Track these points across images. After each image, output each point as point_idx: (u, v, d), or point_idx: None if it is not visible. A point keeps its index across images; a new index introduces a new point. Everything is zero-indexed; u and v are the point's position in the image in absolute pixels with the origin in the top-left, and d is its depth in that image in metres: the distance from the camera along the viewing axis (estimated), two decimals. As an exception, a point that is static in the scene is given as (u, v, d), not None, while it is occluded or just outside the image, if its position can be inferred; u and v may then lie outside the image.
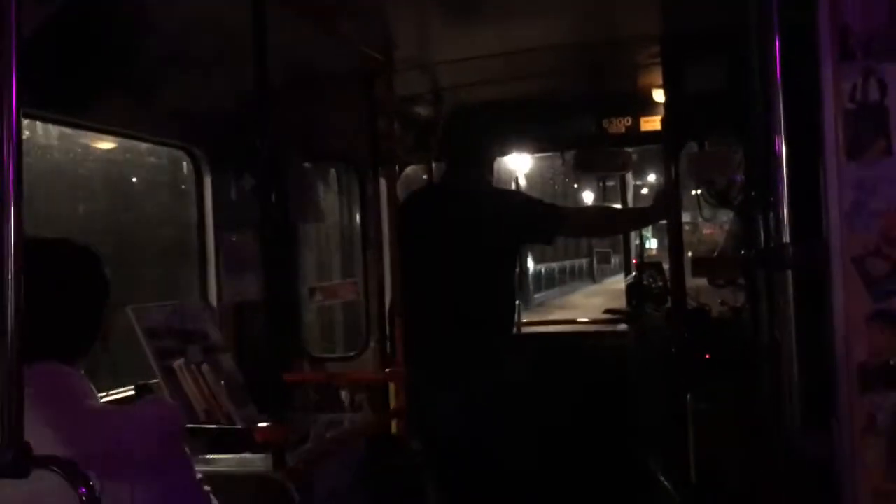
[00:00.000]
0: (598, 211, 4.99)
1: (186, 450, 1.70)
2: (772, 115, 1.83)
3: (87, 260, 1.77)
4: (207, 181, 3.41)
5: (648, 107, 4.22)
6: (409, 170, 4.78)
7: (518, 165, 8.81)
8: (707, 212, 3.74)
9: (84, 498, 1.31)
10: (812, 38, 1.68)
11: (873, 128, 1.59)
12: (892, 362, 1.59)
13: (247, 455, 2.51)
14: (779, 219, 1.81)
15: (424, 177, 4.60)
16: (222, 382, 2.88)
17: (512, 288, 4.02)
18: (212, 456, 2.49)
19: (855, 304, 1.61)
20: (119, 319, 2.62)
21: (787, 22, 1.87)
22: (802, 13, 1.75)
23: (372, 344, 3.92)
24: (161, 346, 2.85)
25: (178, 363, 2.82)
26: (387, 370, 3.52)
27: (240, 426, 2.75)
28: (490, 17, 3.28)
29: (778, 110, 1.81)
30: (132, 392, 2.71)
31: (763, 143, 2.09)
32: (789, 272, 1.78)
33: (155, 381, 2.79)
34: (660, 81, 3.79)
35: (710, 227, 5.02)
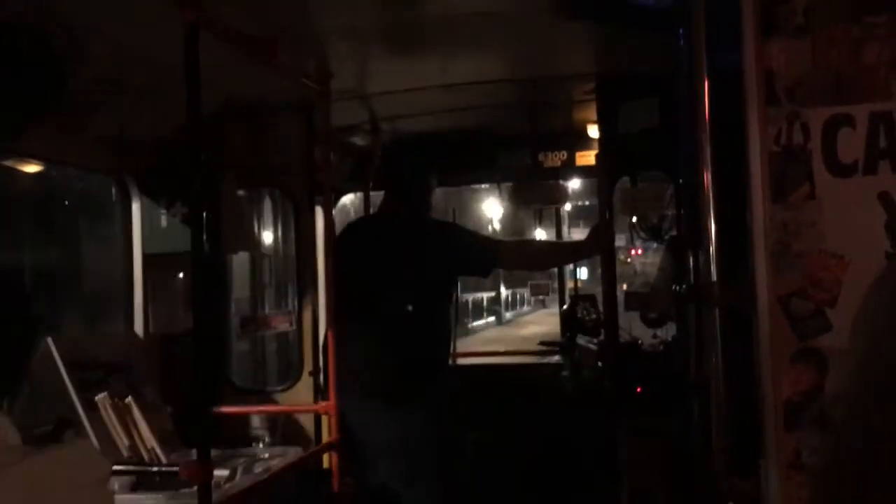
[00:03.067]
0: (533, 244, 5.03)
1: (111, 497, 1.63)
2: (700, 153, 1.88)
3: (17, 296, 1.70)
4: (136, 208, 3.33)
5: (583, 142, 4.29)
6: (345, 199, 4.76)
7: (493, 212, 8.89)
8: (639, 243, 3.82)
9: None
10: (739, 83, 1.73)
11: (798, 171, 1.64)
12: (815, 400, 1.63)
13: (171, 493, 2.43)
14: (707, 257, 1.85)
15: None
16: (147, 416, 2.79)
17: (447, 319, 4.01)
18: (136, 495, 2.41)
19: (780, 343, 1.64)
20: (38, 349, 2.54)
21: (716, 66, 1.92)
22: (730, 58, 1.80)
23: (305, 375, 3.86)
24: (83, 379, 2.75)
25: (100, 396, 2.73)
26: (320, 402, 3.47)
27: (164, 463, 2.67)
28: (429, 51, 3.30)
29: (706, 149, 1.85)
30: (52, 427, 2.61)
31: (692, 180, 2.14)
32: (717, 310, 1.81)
33: (75, 415, 2.69)
34: (594, 118, 3.86)
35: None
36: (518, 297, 29.22)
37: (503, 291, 26.64)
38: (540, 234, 5.44)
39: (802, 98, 1.65)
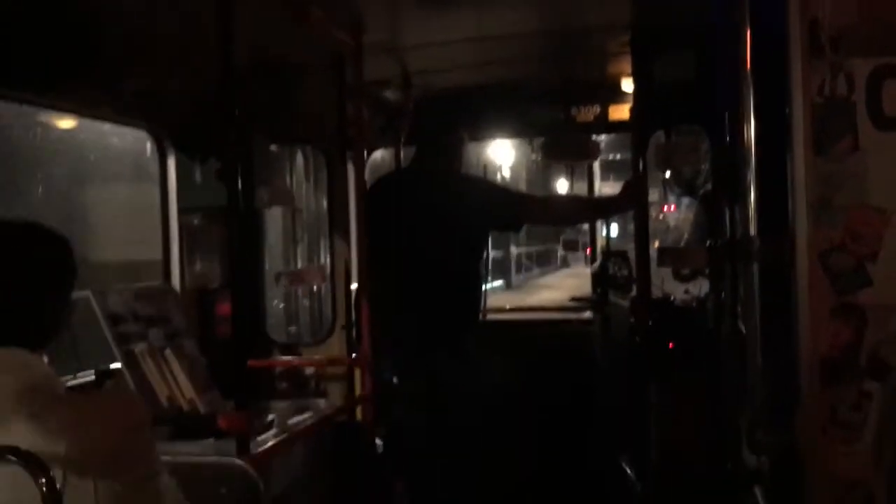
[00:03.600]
0: (566, 199, 5.00)
1: (152, 441, 1.67)
2: (741, 106, 1.85)
3: (56, 245, 1.73)
4: (171, 164, 3.36)
5: (617, 96, 4.23)
6: (377, 154, 4.75)
7: (503, 157, 8.73)
8: (672, 199, 3.78)
9: (45, 489, 1.28)
10: (782, 33, 1.69)
11: (841, 123, 1.61)
12: (854, 356, 1.62)
13: (210, 442, 2.48)
14: (745, 211, 1.83)
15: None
16: (185, 368, 2.84)
17: (478, 274, 4.02)
18: (175, 443, 2.46)
19: (819, 299, 1.63)
20: (79, 303, 2.58)
21: (757, 16, 1.88)
22: (773, 8, 1.76)
23: (338, 329, 3.90)
24: (122, 331, 2.80)
25: (139, 348, 2.78)
26: (352, 356, 3.51)
27: (203, 413, 2.72)
28: (460, 3, 3.26)
29: (748, 101, 1.82)
30: (92, 377, 2.66)
31: (730, 134, 2.10)
32: (755, 265, 1.80)
33: (116, 365, 2.74)
34: (629, 71, 3.80)
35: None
36: (532, 256, 26.44)
37: (513, 250, 22.89)
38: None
39: (847, 48, 1.61)
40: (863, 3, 1.62)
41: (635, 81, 3.69)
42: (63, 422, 1.48)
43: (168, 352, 2.84)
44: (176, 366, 2.82)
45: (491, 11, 3.36)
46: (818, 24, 1.63)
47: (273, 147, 4.04)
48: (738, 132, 1.83)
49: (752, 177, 1.79)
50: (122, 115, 3.25)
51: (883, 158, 1.59)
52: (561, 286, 17.07)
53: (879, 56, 1.62)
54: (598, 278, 4.50)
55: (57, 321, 1.72)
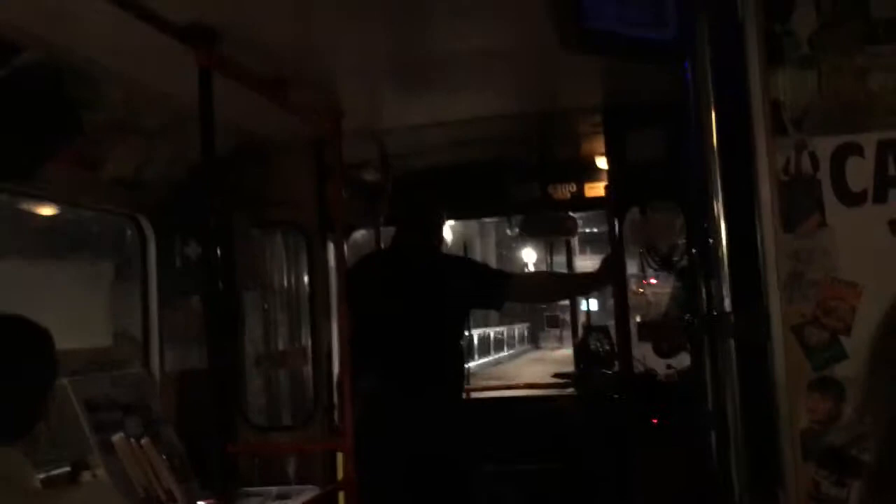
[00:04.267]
0: (545, 277, 5.03)
1: None
2: (709, 183, 1.89)
3: (37, 339, 1.72)
4: (151, 249, 3.36)
5: (592, 173, 4.31)
6: (357, 234, 4.78)
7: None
8: (651, 273, 3.82)
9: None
10: (746, 113, 1.74)
11: (807, 200, 1.65)
12: (833, 429, 1.62)
13: (188, 533, 2.43)
14: (719, 287, 1.85)
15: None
16: (164, 457, 2.79)
17: (460, 352, 4.00)
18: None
19: (796, 372, 1.64)
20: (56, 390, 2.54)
21: (722, 96, 1.94)
22: (737, 88, 1.82)
23: (319, 412, 3.85)
24: (99, 419, 2.76)
25: (117, 437, 2.73)
26: (334, 440, 3.46)
27: None
28: (437, 88, 3.33)
29: (715, 179, 1.86)
30: (68, 469, 2.61)
31: (702, 210, 2.14)
32: (731, 340, 1.81)
33: (92, 456, 2.69)
34: (602, 149, 3.88)
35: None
36: (489, 340, 23.60)
37: (474, 332, 19.85)
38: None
39: (810, 127, 1.66)
40: (823, 83, 1.68)
41: (609, 160, 3.76)
42: None
43: (145, 440, 2.79)
44: (153, 455, 2.77)
45: (467, 96, 3.44)
46: (780, 103, 1.68)
47: (253, 229, 4.06)
48: (708, 206, 1.87)
49: (723, 252, 1.82)
50: (104, 201, 3.27)
51: (850, 233, 1.63)
52: (524, 373, 16.37)
53: (842, 134, 1.67)
54: (580, 353, 4.49)
55: (36, 413, 1.70)
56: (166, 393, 3.24)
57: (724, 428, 1.91)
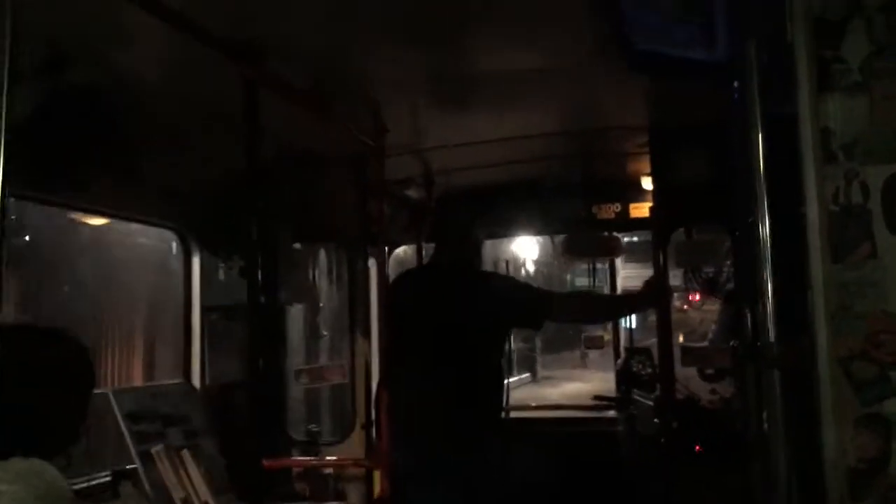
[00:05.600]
0: (587, 297, 4.98)
1: None
2: (756, 208, 1.84)
3: (72, 350, 1.74)
4: (196, 261, 3.41)
5: (637, 194, 4.26)
6: (399, 250, 4.79)
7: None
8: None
9: None
10: (795, 138, 1.70)
11: (857, 231, 1.60)
12: (883, 468, 1.56)
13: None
14: (764, 315, 1.80)
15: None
16: (202, 469, 2.81)
17: (500, 372, 3.97)
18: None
19: (843, 408, 1.58)
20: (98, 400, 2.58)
21: (772, 120, 1.90)
22: (786, 113, 1.78)
23: (357, 428, 3.85)
24: (140, 430, 2.79)
25: (157, 448, 2.76)
26: (372, 456, 3.45)
27: (218, 516, 2.68)
28: (481, 106, 3.33)
29: (762, 204, 1.82)
30: (108, 478, 2.64)
31: (749, 236, 2.10)
32: (776, 371, 1.76)
33: (133, 466, 2.72)
34: (648, 169, 3.84)
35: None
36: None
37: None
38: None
39: (861, 156, 1.61)
40: (874, 111, 1.64)
41: (654, 180, 3.72)
42: None
43: (185, 452, 2.81)
44: (193, 467, 2.80)
45: (511, 114, 3.43)
46: (830, 131, 1.64)
47: (297, 244, 4.09)
48: (755, 234, 1.83)
49: (769, 280, 1.77)
50: (149, 213, 3.32)
51: (902, 265, 1.58)
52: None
53: (893, 163, 1.62)
54: (622, 376, 4.43)
55: (74, 426, 1.72)
56: (208, 405, 3.26)
57: (767, 460, 1.86)
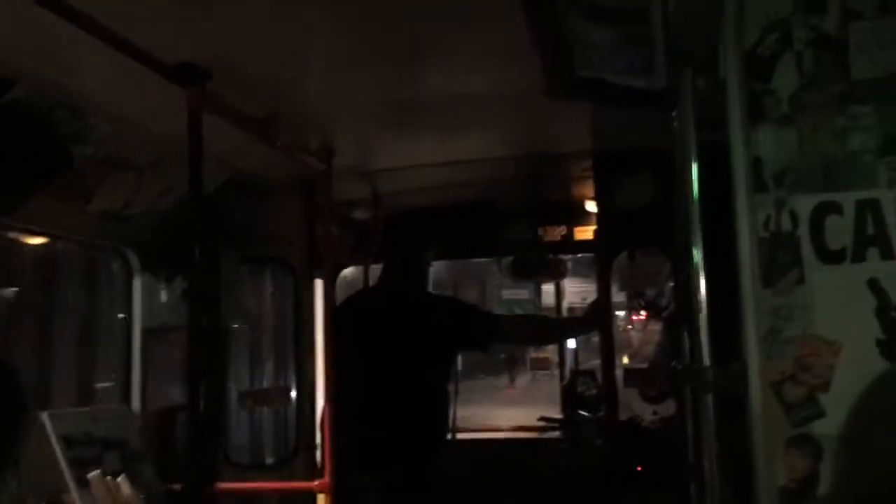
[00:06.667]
0: (533, 320, 5.03)
1: None
2: (691, 233, 1.90)
3: (3, 375, 1.70)
4: (137, 283, 3.36)
5: (582, 217, 4.33)
6: (346, 272, 4.78)
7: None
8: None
9: None
10: (727, 168, 1.75)
11: (787, 257, 1.65)
12: (812, 487, 1.61)
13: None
14: (699, 339, 1.85)
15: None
16: (140, 496, 2.76)
17: (446, 393, 3.98)
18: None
19: (774, 428, 1.63)
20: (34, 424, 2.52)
21: (706, 148, 1.96)
22: (720, 142, 1.83)
23: (302, 450, 3.82)
24: (76, 455, 2.73)
25: (93, 474, 2.70)
26: (317, 479, 3.42)
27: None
28: (429, 129, 3.36)
29: (696, 229, 1.87)
30: (43, 505, 2.58)
31: (686, 260, 2.15)
32: (710, 395, 1.81)
33: (67, 493, 2.66)
34: (592, 194, 3.90)
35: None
36: None
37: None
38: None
39: (790, 185, 1.67)
40: (803, 141, 1.70)
41: (598, 204, 3.78)
42: None
43: (122, 477, 2.76)
44: (131, 492, 2.74)
45: (459, 138, 3.46)
46: (761, 160, 1.69)
47: (241, 266, 4.05)
48: (690, 260, 1.88)
49: (703, 304, 1.82)
50: (90, 233, 3.26)
51: (829, 291, 1.63)
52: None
53: (821, 192, 1.68)
54: (567, 397, 4.48)
55: (6, 451, 1.68)
56: (147, 430, 3.21)
57: (702, 481, 1.90)
